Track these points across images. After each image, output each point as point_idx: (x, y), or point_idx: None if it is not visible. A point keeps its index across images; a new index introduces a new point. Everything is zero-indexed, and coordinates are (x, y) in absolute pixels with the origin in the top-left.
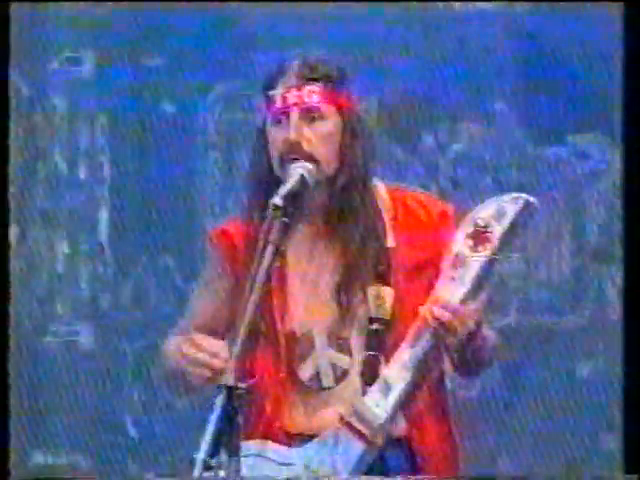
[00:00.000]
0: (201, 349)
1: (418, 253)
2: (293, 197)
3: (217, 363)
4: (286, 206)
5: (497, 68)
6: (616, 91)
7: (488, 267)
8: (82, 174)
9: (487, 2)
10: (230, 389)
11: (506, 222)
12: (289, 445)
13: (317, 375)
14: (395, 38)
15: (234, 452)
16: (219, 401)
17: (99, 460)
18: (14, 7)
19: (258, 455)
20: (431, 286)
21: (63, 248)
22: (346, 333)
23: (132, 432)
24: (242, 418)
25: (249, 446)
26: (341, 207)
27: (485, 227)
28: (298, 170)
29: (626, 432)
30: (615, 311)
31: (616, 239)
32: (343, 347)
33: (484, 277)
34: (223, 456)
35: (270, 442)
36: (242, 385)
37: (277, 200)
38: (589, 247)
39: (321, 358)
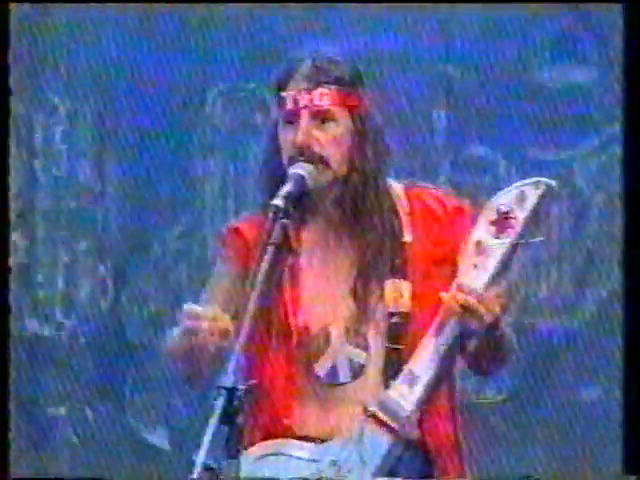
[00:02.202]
0: (200, 318)
1: (435, 248)
2: (294, 198)
3: (221, 324)
4: (286, 207)
5: (498, 68)
6: (616, 91)
7: (511, 253)
8: (82, 174)
9: (488, 3)
10: (230, 390)
11: (528, 207)
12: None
13: (334, 370)
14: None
15: (234, 454)
16: (219, 402)
17: (99, 462)
18: (14, 7)
19: (279, 454)
20: (447, 280)
21: (63, 248)
22: (363, 328)
23: (133, 432)
24: (242, 419)
25: (268, 445)
26: (355, 206)
27: (507, 213)
28: (298, 171)
29: (626, 432)
30: (615, 312)
31: (616, 241)
32: (360, 342)
33: (507, 263)
34: (223, 458)
35: (294, 440)
36: (242, 386)
37: (277, 201)
38: (589, 248)
39: (338, 353)
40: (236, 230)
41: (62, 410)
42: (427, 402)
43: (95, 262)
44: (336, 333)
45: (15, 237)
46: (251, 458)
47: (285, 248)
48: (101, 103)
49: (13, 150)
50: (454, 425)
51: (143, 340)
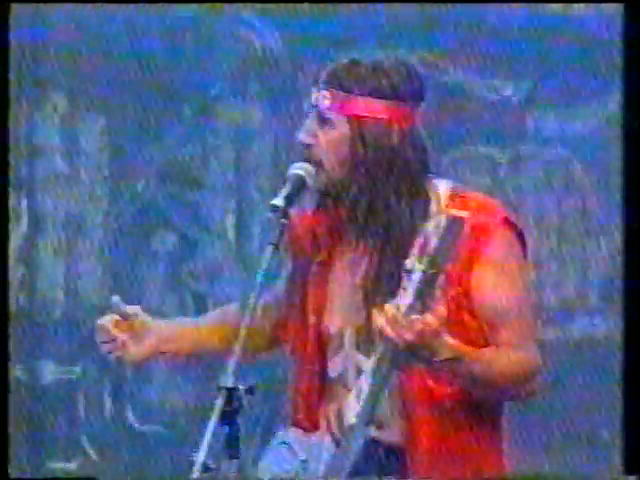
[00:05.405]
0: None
1: (450, 265)
2: (294, 198)
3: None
4: (286, 207)
5: (502, 65)
6: (616, 91)
7: (426, 280)
8: (82, 174)
9: (487, 3)
10: (230, 390)
11: (438, 236)
12: (305, 439)
13: (343, 374)
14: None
15: (234, 453)
16: (219, 402)
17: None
18: (14, 7)
19: (285, 444)
20: (453, 300)
21: (63, 247)
22: (372, 337)
23: (133, 430)
24: (241, 419)
25: (286, 434)
26: (360, 214)
27: (425, 239)
28: (297, 172)
29: (626, 431)
30: (615, 312)
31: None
32: (369, 351)
33: (426, 290)
34: (223, 458)
35: (299, 434)
36: (242, 386)
37: (276, 201)
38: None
39: (348, 359)
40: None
41: (60, 408)
42: (368, 416)
43: (95, 262)
44: (349, 338)
45: (15, 235)
46: (273, 445)
47: (312, 248)
48: (101, 103)
49: (13, 150)
50: (443, 425)
51: None
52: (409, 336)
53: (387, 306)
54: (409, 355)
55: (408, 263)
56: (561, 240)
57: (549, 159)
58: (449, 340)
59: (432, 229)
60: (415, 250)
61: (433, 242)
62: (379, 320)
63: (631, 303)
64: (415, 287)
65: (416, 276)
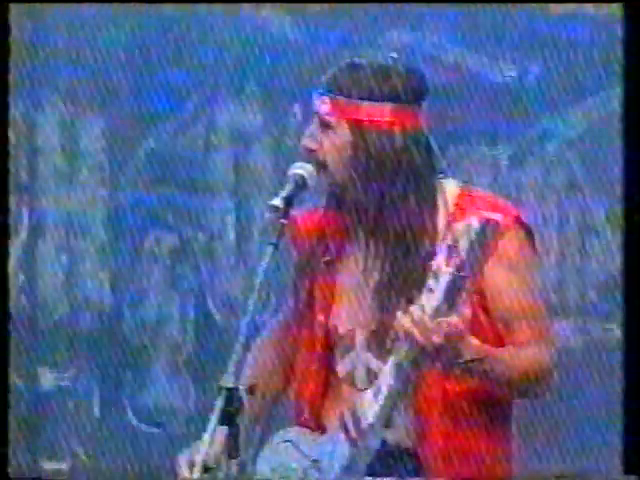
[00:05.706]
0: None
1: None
2: (294, 198)
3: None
4: (285, 208)
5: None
6: (616, 90)
7: (456, 282)
8: (82, 174)
9: (487, 3)
10: (230, 390)
11: (470, 239)
12: (314, 439)
13: (353, 374)
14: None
15: (234, 453)
16: (219, 402)
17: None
18: (14, 7)
19: (291, 442)
20: (475, 298)
21: (64, 247)
22: (385, 339)
23: (133, 431)
24: (241, 419)
25: (288, 432)
26: (364, 219)
27: (456, 241)
28: (298, 172)
29: (626, 431)
30: (616, 323)
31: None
32: (381, 352)
33: (454, 292)
34: (223, 458)
35: (307, 433)
36: (242, 386)
37: (276, 201)
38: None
39: (358, 359)
40: (294, 220)
41: (61, 410)
42: (388, 415)
43: (95, 262)
44: (360, 339)
45: (15, 235)
46: (274, 443)
47: (320, 246)
48: (101, 103)
49: (13, 150)
50: (450, 430)
51: (143, 338)
52: (437, 338)
53: (412, 308)
54: (433, 356)
55: (434, 264)
56: (561, 239)
57: (549, 157)
58: (473, 341)
59: (462, 230)
60: (442, 251)
61: (463, 245)
62: (405, 322)
63: (631, 303)
64: (443, 289)
65: (444, 278)
